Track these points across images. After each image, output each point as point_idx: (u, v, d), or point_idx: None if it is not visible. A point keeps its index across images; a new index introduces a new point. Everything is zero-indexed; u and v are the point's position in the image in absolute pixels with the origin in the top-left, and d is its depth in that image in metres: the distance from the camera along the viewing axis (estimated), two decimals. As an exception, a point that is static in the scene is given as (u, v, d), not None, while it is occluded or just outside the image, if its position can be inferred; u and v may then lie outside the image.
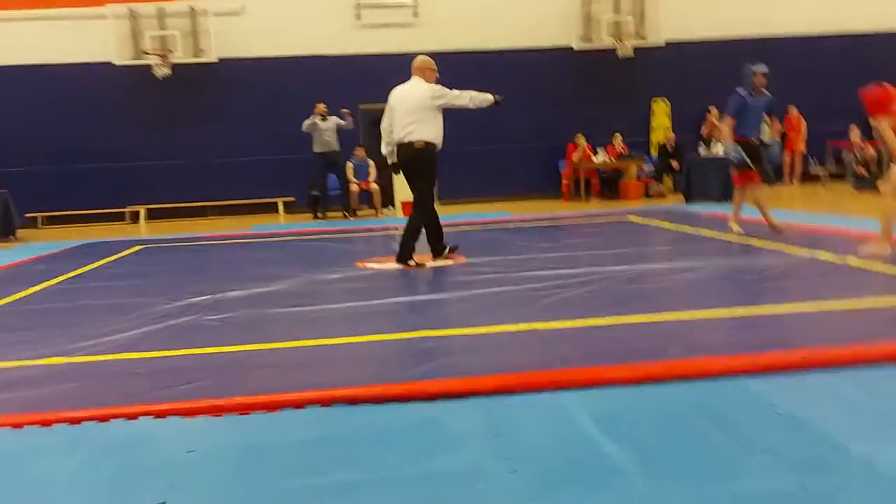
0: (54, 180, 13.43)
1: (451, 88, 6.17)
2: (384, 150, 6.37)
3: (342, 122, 12.58)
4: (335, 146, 12.58)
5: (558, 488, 2.00)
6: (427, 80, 6.20)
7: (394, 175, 6.67)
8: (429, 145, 6.06)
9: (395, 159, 6.28)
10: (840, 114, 14.42)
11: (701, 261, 5.51)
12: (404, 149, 6.11)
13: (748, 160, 6.88)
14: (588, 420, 2.46)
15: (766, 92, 7.00)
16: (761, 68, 6.96)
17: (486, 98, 6.22)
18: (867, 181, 12.27)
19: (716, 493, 1.93)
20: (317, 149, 12.44)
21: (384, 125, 6.29)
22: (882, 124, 5.62)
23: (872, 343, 3.04)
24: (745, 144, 6.95)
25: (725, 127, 7.06)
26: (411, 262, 6.10)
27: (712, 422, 2.41)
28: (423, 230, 6.30)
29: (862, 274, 4.72)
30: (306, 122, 12.49)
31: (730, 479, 2.01)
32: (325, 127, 12.49)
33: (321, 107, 12.58)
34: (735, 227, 7.16)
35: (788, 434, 2.29)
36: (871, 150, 12.61)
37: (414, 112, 6.03)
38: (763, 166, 7.06)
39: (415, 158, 6.09)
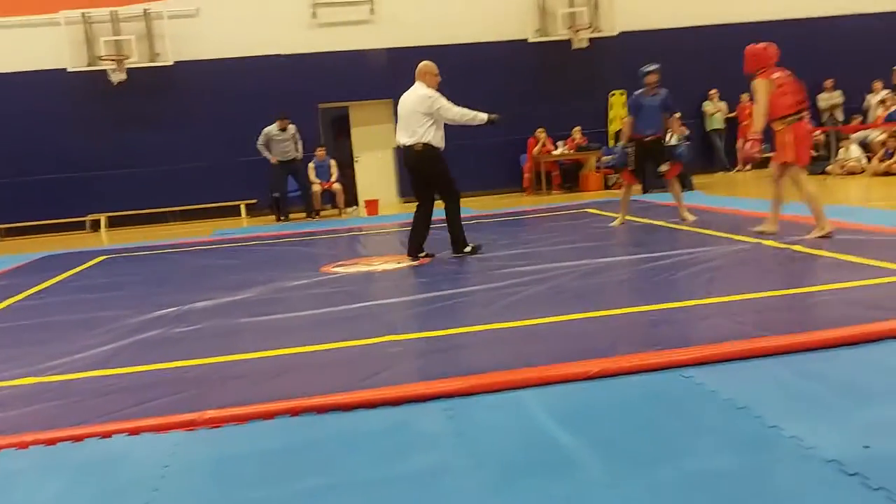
0: (11, 191, 13.22)
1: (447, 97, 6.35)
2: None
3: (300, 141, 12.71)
4: (294, 154, 12.63)
5: (520, 480, 2.15)
6: (428, 85, 6.38)
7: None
8: (427, 147, 6.26)
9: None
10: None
11: (654, 252, 5.71)
12: (407, 152, 6.37)
13: (630, 161, 7.53)
14: (546, 415, 2.61)
15: (659, 90, 7.48)
16: (650, 68, 7.51)
17: (476, 116, 6.37)
18: (817, 164, 12.65)
19: (665, 475, 2.10)
20: (274, 161, 12.51)
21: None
22: (758, 84, 5.91)
23: (806, 331, 3.23)
24: (637, 141, 7.49)
25: (625, 126, 7.57)
26: (467, 249, 6.45)
27: (661, 410, 2.59)
28: (418, 228, 6.54)
29: (805, 260, 4.95)
30: (259, 142, 12.57)
31: (677, 461, 2.19)
32: (282, 138, 12.55)
33: (282, 121, 12.64)
34: (618, 221, 7.68)
35: (730, 418, 2.48)
36: (820, 136, 12.99)
37: (411, 116, 6.28)
38: (658, 163, 7.52)
39: (418, 161, 6.32)
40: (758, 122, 5.95)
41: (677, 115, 7.78)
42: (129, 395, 3.15)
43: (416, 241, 6.56)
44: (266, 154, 12.54)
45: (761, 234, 6.00)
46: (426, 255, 6.57)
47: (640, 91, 7.56)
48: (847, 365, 2.89)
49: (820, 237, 5.63)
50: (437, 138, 6.31)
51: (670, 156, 7.59)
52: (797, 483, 2.00)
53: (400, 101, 6.47)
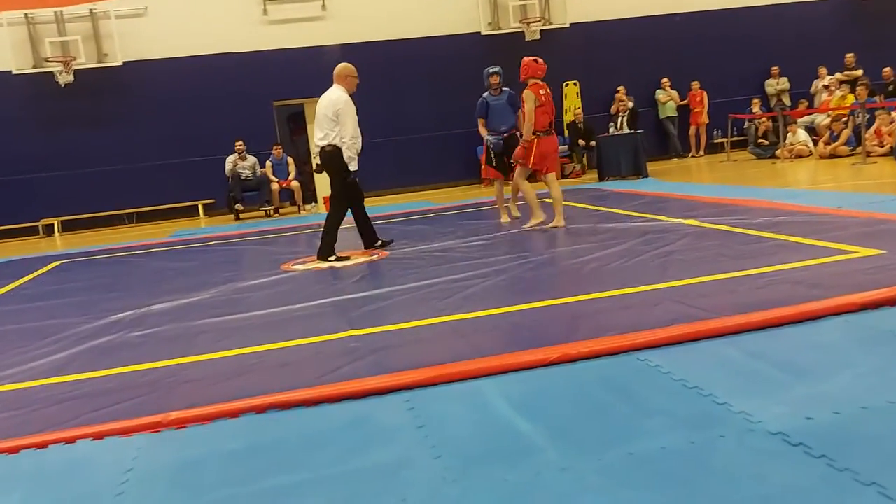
0: (-40, 197, 12.90)
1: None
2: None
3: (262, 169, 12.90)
4: (252, 176, 12.85)
5: (479, 468, 2.21)
6: (346, 87, 6.48)
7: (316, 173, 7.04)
8: (335, 148, 6.35)
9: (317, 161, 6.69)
10: (739, 86, 15.18)
11: (609, 240, 5.83)
12: (319, 152, 6.49)
13: (489, 157, 7.82)
14: (503, 403, 2.67)
15: (504, 90, 7.76)
16: (493, 70, 7.78)
17: (350, 158, 6.35)
18: (767, 149, 12.99)
19: (617, 456, 2.18)
20: (233, 179, 12.72)
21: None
22: (526, 95, 6.83)
23: (750, 312, 3.35)
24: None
25: (480, 128, 7.82)
26: (331, 258, 6.33)
27: (614, 393, 2.67)
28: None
29: (754, 242, 5.10)
30: (227, 167, 12.73)
31: (629, 442, 2.27)
32: (245, 167, 12.70)
33: (239, 145, 12.67)
34: (506, 217, 7.91)
35: (680, 397, 2.57)
36: (768, 122, 13.32)
37: (322, 118, 6.40)
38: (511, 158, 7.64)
39: (328, 161, 6.44)
40: (527, 131, 6.83)
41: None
42: (87, 402, 3.13)
43: (368, 233, 6.77)
44: (230, 169, 12.80)
45: (539, 225, 6.91)
46: (382, 244, 6.74)
47: (486, 93, 7.81)
48: (790, 343, 3.02)
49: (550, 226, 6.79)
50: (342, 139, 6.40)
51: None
52: (745, 456, 2.10)
53: (320, 103, 6.53)
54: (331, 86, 6.51)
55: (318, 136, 6.44)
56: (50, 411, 3.07)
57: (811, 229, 5.26)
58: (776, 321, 3.19)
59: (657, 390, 2.67)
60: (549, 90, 7.00)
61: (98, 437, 2.69)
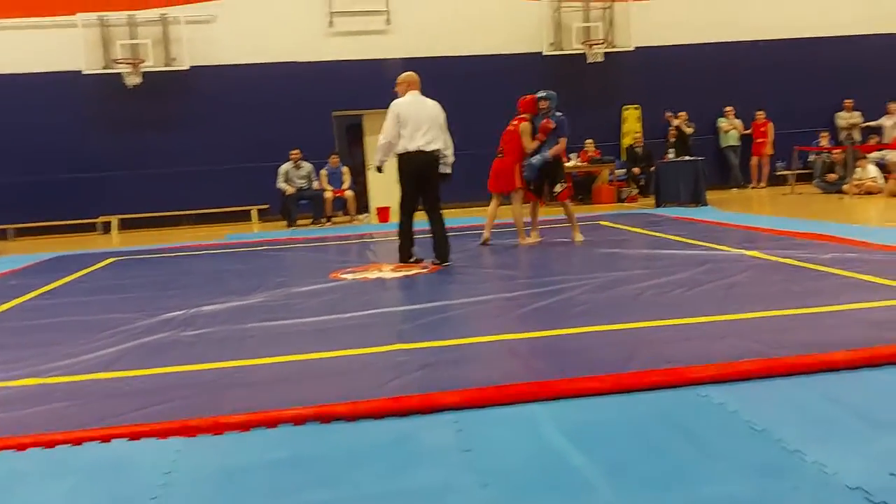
0: (25, 191, 13.26)
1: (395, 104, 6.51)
2: (383, 158, 6.65)
3: (317, 178, 12.98)
4: (307, 187, 12.92)
5: (528, 501, 2.07)
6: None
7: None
8: (438, 153, 6.54)
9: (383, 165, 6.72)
10: (806, 118, 14.75)
11: (667, 267, 5.63)
12: (421, 157, 6.44)
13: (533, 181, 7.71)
14: (556, 432, 2.53)
15: (555, 114, 7.60)
16: (538, 94, 7.64)
17: (378, 150, 6.60)
18: (834, 183, 12.54)
19: (679, 499, 2.02)
20: (291, 190, 12.77)
21: (392, 134, 6.48)
22: (521, 126, 7.51)
23: (828, 351, 3.14)
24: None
25: (530, 145, 7.61)
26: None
27: (675, 430, 2.50)
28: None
29: (823, 279, 4.86)
30: (280, 179, 12.83)
31: (693, 485, 2.10)
32: (299, 176, 12.79)
33: (294, 154, 12.77)
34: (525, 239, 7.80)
35: (748, 440, 2.39)
36: (840, 155, 12.86)
37: (434, 122, 6.49)
38: (554, 184, 7.68)
39: (431, 166, 6.52)
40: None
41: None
42: (132, 399, 3.10)
43: (408, 247, 6.72)
44: (284, 186, 12.82)
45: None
46: (416, 260, 6.64)
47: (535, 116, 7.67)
48: (869, 388, 2.80)
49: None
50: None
51: (563, 177, 7.75)
52: (821, 511, 1.92)
53: (411, 107, 6.47)
54: (404, 94, 6.51)
55: (425, 140, 6.40)
56: (92, 406, 3.04)
57: (886, 268, 4.99)
58: (853, 363, 2.98)
59: (721, 430, 2.49)
60: (513, 124, 7.65)
61: (135, 437, 2.63)
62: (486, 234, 7.96)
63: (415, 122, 6.40)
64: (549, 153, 7.51)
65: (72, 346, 4.15)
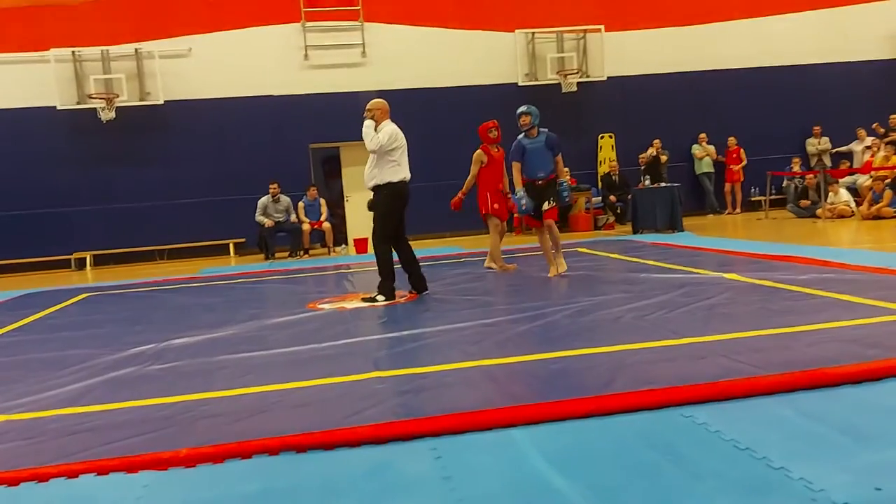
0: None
1: (375, 130, 6.38)
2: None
3: (294, 211, 12.92)
4: (286, 220, 12.85)
5: (510, 528, 2.00)
6: None
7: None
8: None
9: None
10: (778, 144, 14.99)
11: (647, 290, 5.61)
12: (406, 187, 6.41)
13: (532, 210, 7.05)
14: (538, 456, 2.46)
15: (543, 131, 7.01)
16: (519, 110, 7.06)
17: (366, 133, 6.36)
18: (807, 208, 12.70)
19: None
20: (270, 223, 12.66)
21: (384, 147, 6.27)
22: (476, 153, 7.94)
23: (809, 368, 3.12)
24: (530, 185, 7.03)
25: (515, 172, 7.10)
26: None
27: (659, 451, 2.44)
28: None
29: (801, 299, 4.86)
30: (258, 213, 12.74)
31: (679, 508, 2.03)
32: (277, 210, 12.73)
33: (274, 187, 12.70)
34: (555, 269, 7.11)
35: (733, 459, 2.34)
36: (813, 180, 13.04)
37: (404, 153, 6.42)
38: (557, 203, 7.15)
39: (409, 195, 6.51)
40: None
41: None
42: (96, 435, 2.99)
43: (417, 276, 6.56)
44: (262, 219, 12.72)
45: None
46: (411, 292, 6.51)
47: (521, 135, 7.06)
48: (850, 404, 2.77)
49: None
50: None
51: (557, 197, 7.14)
52: (808, 529, 1.87)
53: (401, 135, 6.39)
54: (381, 121, 6.36)
55: (406, 172, 6.40)
56: (57, 443, 2.93)
57: (862, 287, 5.01)
58: (834, 380, 2.95)
59: (706, 450, 2.43)
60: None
61: (102, 471, 2.53)
62: (496, 264, 7.95)
63: (403, 150, 6.40)
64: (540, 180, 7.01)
65: (37, 382, 4.03)
